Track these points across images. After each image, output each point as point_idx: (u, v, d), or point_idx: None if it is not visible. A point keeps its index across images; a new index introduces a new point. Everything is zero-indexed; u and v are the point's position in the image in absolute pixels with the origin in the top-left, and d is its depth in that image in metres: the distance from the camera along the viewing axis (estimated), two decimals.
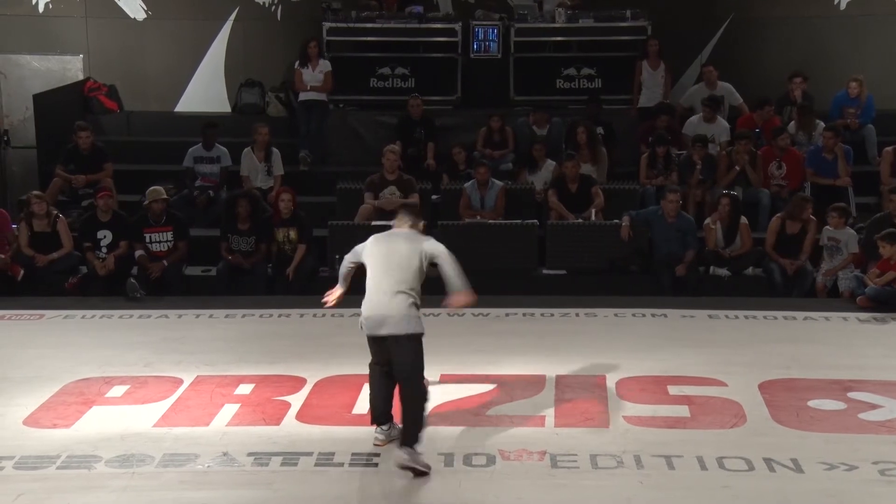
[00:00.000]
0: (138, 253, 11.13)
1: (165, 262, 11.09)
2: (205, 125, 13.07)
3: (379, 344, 6.77)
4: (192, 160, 12.84)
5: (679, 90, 14.31)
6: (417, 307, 6.74)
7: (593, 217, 11.77)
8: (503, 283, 11.04)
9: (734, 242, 11.32)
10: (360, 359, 8.52)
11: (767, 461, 6.50)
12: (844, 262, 10.82)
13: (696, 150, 12.29)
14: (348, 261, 7.13)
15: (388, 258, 6.75)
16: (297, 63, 13.73)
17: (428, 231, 11.57)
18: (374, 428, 6.88)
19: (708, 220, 11.43)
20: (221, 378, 8.12)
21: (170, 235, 11.21)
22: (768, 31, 14.91)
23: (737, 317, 9.91)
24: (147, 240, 11.20)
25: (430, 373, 8.09)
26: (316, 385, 7.96)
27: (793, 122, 13.18)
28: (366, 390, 7.72)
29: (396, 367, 6.72)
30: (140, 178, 13.00)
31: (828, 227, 11.01)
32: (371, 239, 6.96)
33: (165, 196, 11.30)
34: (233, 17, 15.24)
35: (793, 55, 14.64)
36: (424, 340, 8.95)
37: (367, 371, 8.10)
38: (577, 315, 10.03)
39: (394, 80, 14.31)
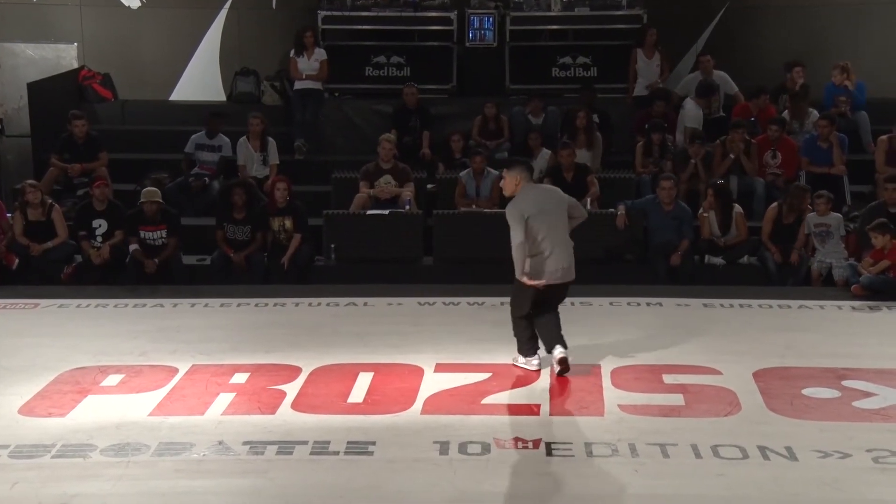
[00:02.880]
0: (133, 247, 11.10)
1: (156, 260, 11.04)
2: (211, 113, 13.04)
3: (551, 290, 7.80)
4: (193, 146, 12.82)
5: (674, 79, 14.30)
6: None
7: (588, 206, 11.75)
8: (499, 271, 10.99)
9: (729, 231, 11.35)
10: (355, 347, 8.60)
11: (762, 449, 6.51)
12: (852, 243, 10.88)
13: (694, 148, 12.23)
14: (522, 240, 7.70)
15: (554, 214, 7.75)
16: (292, 52, 13.70)
17: (423, 220, 11.75)
18: (525, 360, 7.98)
19: (701, 210, 11.45)
20: (217, 367, 8.12)
21: (164, 233, 11.18)
22: (764, 20, 14.91)
23: (732, 305, 9.92)
24: (142, 236, 11.17)
25: (426, 361, 8.16)
26: (311, 374, 7.96)
27: (786, 111, 13.18)
28: (363, 379, 7.77)
29: (556, 304, 7.99)
30: (135, 166, 13.00)
31: (812, 214, 11.04)
32: (528, 203, 7.67)
33: (159, 200, 11.23)
34: (228, 5, 15.20)
35: (789, 43, 14.64)
36: (421, 329, 9.06)
37: (362, 360, 8.21)
38: (572, 304, 9.90)
39: (389, 69, 14.31)
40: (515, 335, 8.03)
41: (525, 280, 7.72)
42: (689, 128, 12.72)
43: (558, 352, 7.79)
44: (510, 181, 7.82)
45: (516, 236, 7.68)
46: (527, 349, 7.98)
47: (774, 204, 11.37)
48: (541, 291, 7.78)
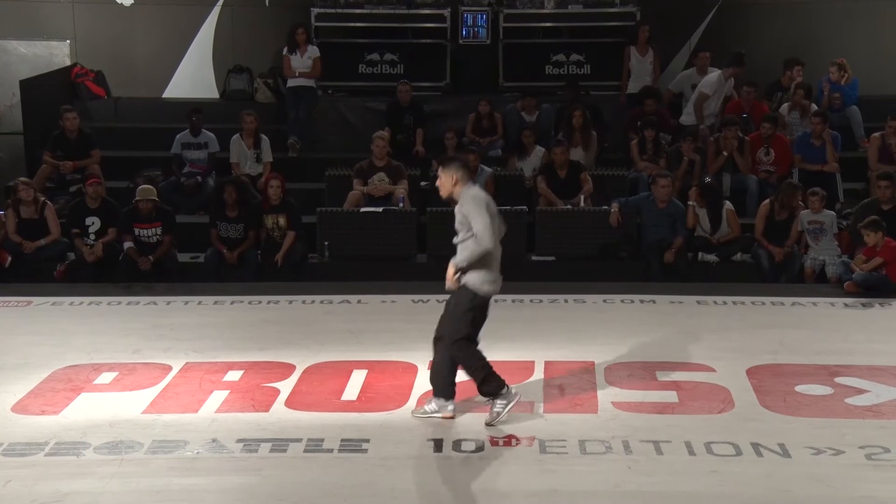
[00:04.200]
0: (127, 245, 11.08)
1: (151, 258, 11.03)
2: (190, 111, 13.04)
3: (485, 307, 6.94)
4: (179, 147, 12.81)
5: (668, 76, 14.31)
6: None
7: (582, 203, 11.78)
8: None
9: (719, 229, 11.36)
10: (348, 345, 8.59)
11: (755, 446, 6.52)
12: (845, 240, 10.92)
13: (687, 145, 12.23)
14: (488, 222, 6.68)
15: (496, 217, 6.85)
16: (285, 49, 13.69)
17: (417, 217, 11.74)
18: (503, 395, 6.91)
19: (690, 202, 11.48)
20: (210, 365, 8.11)
21: (159, 230, 11.17)
22: (757, 17, 14.93)
23: (725, 302, 9.94)
24: (136, 233, 11.16)
25: (420, 359, 8.15)
26: (305, 371, 7.96)
27: (785, 105, 13.22)
28: (357, 377, 7.75)
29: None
30: (128, 164, 13.00)
31: (806, 211, 11.07)
32: (487, 201, 6.75)
33: (155, 198, 11.21)
34: (221, 2, 15.19)
35: (781, 41, 14.67)
36: (415, 326, 8.98)
37: (356, 358, 8.19)
38: (565, 301, 10.04)
39: (382, 67, 14.30)
40: (471, 370, 6.86)
41: (450, 279, 6.71)
42: (703, 93, 12.65)
43: (452, 408, 6.99)
44: (446, 179, 6.70)
45: (481, 218, 6.56)
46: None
47: (767, 201, 11.39)
48: (480, 309, 6.87)
